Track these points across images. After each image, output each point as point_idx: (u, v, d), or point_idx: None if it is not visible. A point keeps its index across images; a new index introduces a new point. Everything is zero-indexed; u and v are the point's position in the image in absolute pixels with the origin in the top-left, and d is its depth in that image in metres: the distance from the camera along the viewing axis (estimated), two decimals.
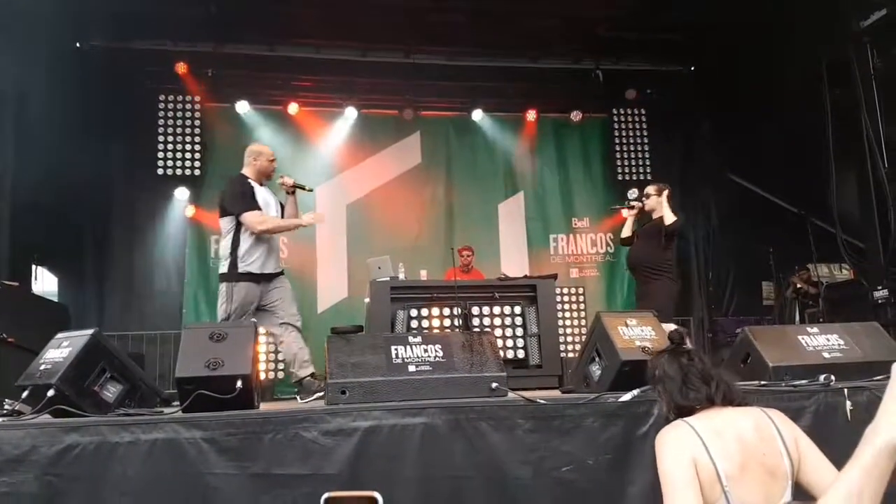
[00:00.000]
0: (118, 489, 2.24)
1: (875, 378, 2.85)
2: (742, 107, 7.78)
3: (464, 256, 7.35)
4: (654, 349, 2.97)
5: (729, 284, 8.57)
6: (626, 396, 2.65)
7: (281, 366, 7.59)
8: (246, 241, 4.31)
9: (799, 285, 7.68)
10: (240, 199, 4.34)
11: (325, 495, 2.15)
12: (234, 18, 7.35)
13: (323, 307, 8.17)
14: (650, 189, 5.39)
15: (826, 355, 3.16)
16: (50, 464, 2.22)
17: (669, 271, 5.09)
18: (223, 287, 4.32)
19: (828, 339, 3.24)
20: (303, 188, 4.79)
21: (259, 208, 4.37)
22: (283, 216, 4.68)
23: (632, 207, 5.47)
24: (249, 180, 4.52)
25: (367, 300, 5.80)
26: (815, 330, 3.32)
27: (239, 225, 4.33)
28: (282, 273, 4.58)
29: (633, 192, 5.58)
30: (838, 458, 2.57)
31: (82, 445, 2.26)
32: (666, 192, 5.30)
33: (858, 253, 6.54)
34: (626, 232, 5.54)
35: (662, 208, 5.21)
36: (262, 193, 4.53)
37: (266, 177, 4.67)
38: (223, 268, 4.37)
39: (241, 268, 4.27)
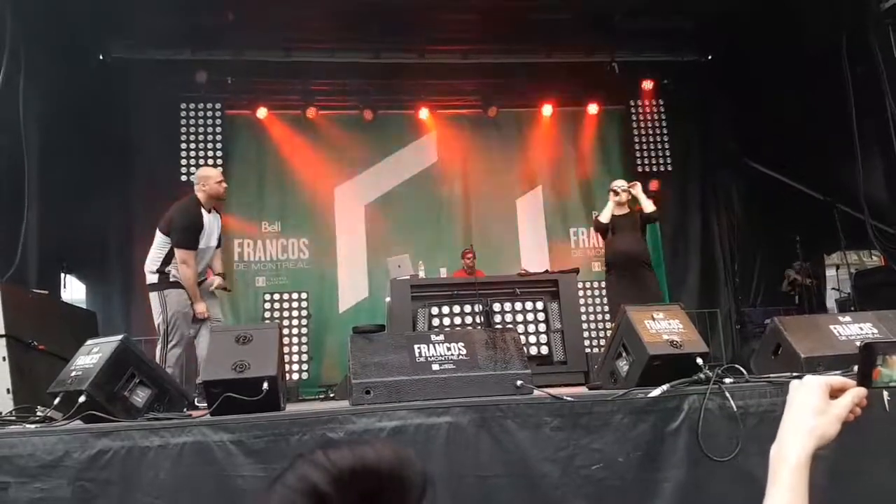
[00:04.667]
0: (149, 493, 2.27)
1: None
2: (761, 93, 7.64)
3: (468, 258, 7.23)
4: (682, 342, 2.92)
5: (755, 274, 8.42)
6: (656, 392, 2.61)
7: (305, 366, 7.65)
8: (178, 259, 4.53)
9: (794, 278, 7.53)
10: (184, 234, 4.52)
11: None
12: (251, 26, 7.43)
13: (344, 307, 8.21)
14: (623, 184, 5.60)
15: (859, 344, 3.08)
16: (82, 469, 2.25)
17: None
18: (155, 297, 4.51)
19: (861, 328, 3.16)
20: (225, 289, 5.15)
21: (195, 248, 4.54)
22: (219, 242, 4.87)
23: (616, 194, 5.56)
24: (202, 209, 4.64)
25: (387, 299, 5.81)
26: (848, 318, 3.24)
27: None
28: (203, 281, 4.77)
29: (620, 183, 5.69)
30: (878, 448, 2.52)
31: (113, 450, 2.29)
32: (639, 185, 5.60)
33: (888, 238, 6.37)
34: (607, 217, 5.55)
35: (641, 198, 5.43)
36: (207, 221, 4.66)
37: (217, 199, 4.79)
38: (152, 278, 4.55)
39: (172, 278, 4.51)
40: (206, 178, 4.75)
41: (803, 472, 0.88)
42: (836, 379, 0.97)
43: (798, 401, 0.95)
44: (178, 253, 4.49)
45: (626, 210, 5.56)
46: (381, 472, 0.71)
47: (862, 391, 0.96)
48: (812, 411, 0.93)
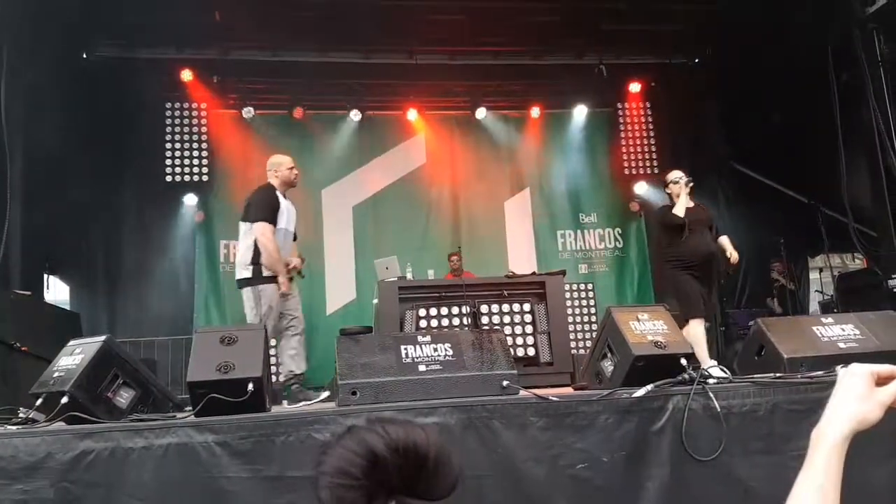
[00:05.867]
0: (133, 494, 2.25)
1: None
2: (748, 97, 7.72)
3: (453, 261, 7.23)
4: (666, 343, 2.95)
5: (740, 277, 8.51)
6: (641, 392, 2.63)
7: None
8: None
9: (775, 277, 7.61)
10: (261, 208, 4.44)
11: None
12: (238, 25, 7.39)
13: (332, 309, 8.19)
14: (682, 173, 5.13)
15: (842, 346, 3.13)
16: (65, 470, 2.23)
17: None
18: (248, 292, 4.36)
19: (843, 329, 3.20)
20: (300, 273, 4.87)
21: (273, 222, 4.44)
22: (294, 236, 4.76)
23: (686, 185, 5.03)
24: (276, 192, 4.58)
25: (375, 301, 5.80)
26: (830, 320, 3.28)
27: None
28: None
29: (679, 174, 5.12)
30: (859, 446, 2.55)
31: (96, 451, 2.27)
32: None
33: (870, 241, 6.47)
34: (682, 211, 4.93)
35: (685, 197, 4.99)
36: (285, 205, 4.59)
37: (290, 185, 4.74)
38: (245, 272, 4.40)
39: (265, 272, 4.35)
40: (279, 164, 4.72)
41: (838, 455, 0.92)
42: (885, 367, 1.01)
43: (843, 387, 0.99)
44: (256, 227, 4.36)
45: (692, 203, 5.01)
46: (429, 453, 0.77)
47: None
48: (855, 397, 0.97)
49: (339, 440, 0.78)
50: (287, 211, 4.59)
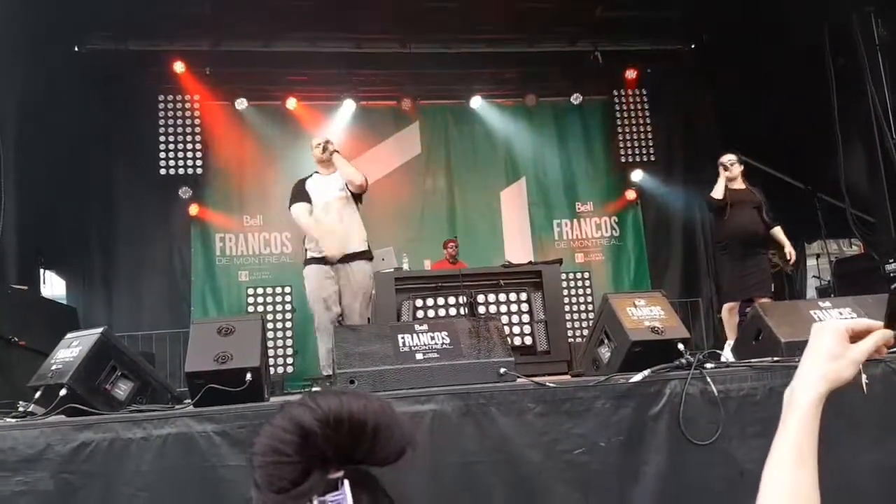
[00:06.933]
0: (133, 485, 2.25)
1: (891, 350, 2.82)
2: (744, 83, 7.70)
3: (450, 248, 7.26)
4: (663, 329, 2.96)
5: None
6: (638, 377, 2.64)
7: (290, 360, 7.62)
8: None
9: (774, 263, 7.60)
10: (291, 196, 4.76)
11: None
12: (229, 16, 7.33)
13: None
14: (734, 156, 5.25)
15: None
16: (64, 462, 2.23)
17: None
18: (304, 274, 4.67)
19: (840, 313, 3.21)
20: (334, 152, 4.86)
21: (302, 200, 4.66)
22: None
23: (726, 168, 5.20)
24: (311, 175, 4.84)
25: (371, 292, 5.80)
26: (828, 304, 3.28)
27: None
28: (357, 257, 4.67)
29: (730, 157, 5.31)
30: (856, 430, 2.58)
31: (95, 442, 2.27)
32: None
33: (868, 226, 6.48)
34: (720, 193, 5.15)
35: (723, 179, 5.14)
36: (317, 183, 4.77)
37: (318, 163, 4.88)
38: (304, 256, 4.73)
39: (308, 254, 4.63)
40: (311, 147, 4.94)
41: (812, 416, 0.90)
42: (859, 322, 0.98)
43: (815, 345, 0.97)
44: (291, 212, 4.71)
45: (741, 185, 5.19)
46: (366, 422, 0.75)
47: (888, 333, 0.98)
48: (827, 355, 0.95)
49: (270, 419, 0.77)
50: (320, 190, 4.73)
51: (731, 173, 5.19)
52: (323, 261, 4.53)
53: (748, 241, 5.00)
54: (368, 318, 4.72)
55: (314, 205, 4.66)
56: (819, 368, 0.94)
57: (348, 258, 4.61)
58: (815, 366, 0.95)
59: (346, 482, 0.75)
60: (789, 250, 4.98)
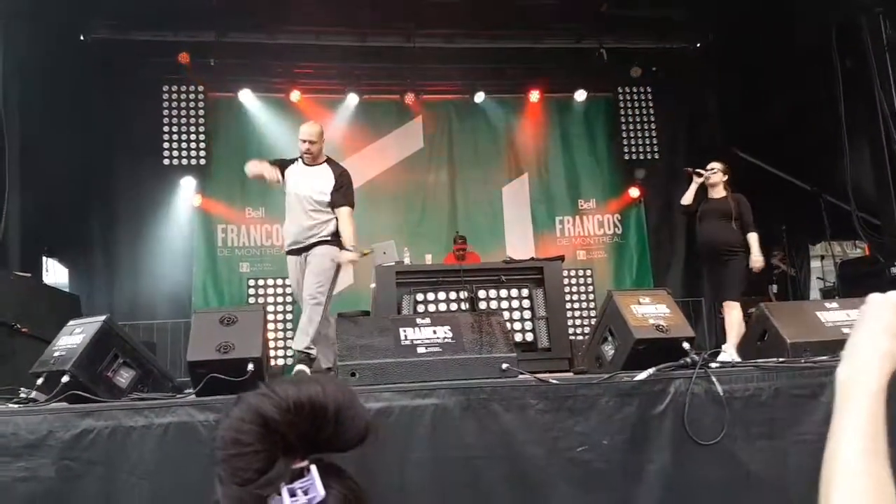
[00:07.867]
0: (134, 472, 2.25)
1: None
2: (750, 82, 7.66)
3: (457, 243, 7.20)
4: (668, 327, 2.94)
5: None
6: (642, 375, 2.63)
7: (291, 352, 7.63)
8: None
9: (775, 264, 7.59)
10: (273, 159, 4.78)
11: None
12: (235, 7, 7.30)
13: None
14: (718, 165, 5.24)
15: (845, 331, 3.11)
16: (66, 448, 2.23)
17: (743, 250, 5.01)
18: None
19: (847, 315, 3.18)
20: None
21: (277, 167, 4.66)
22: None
23: (699, 175, 5.21)
24: (296, 160, 4.74)
25: (372, 286, 5.79)
26: (834, 305, 3.27)
27: None
28: (308, 248, 4.47)
29: (712, 165, 5.32)
30: None
31: (97, 430, 2.27)
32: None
33: (873, 228, 6.45)
34: (689, 199, 5.24)
35: (693, 186, 5.18)
36: (300, 172, 4.62)
37: (307, 153, 4.69)
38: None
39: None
40: None
41: (879, 402, 0.79)
42: None
43: (870, 320, 0.86)
44: None
45: (721, 193, 5.16)
46: (327, 406, 0.74)
47: None
48: (886, 331, 0.84)
49: (227, 412, 0.75)
50: (293, 176, 4.61)
51: (710, 181, 5.19)
52: (292, 252, 4.45)
53: (717, 249, 5.05)
54: (327, 298, 4.47)
55: (288, 193, 4.55)
56: (881, 345, 0.83)
57: (306, 249, 4.42)
58: (877, 343, 0.83)
59: (314, 467, 0.74)
60: (754, 258, 4.99)
